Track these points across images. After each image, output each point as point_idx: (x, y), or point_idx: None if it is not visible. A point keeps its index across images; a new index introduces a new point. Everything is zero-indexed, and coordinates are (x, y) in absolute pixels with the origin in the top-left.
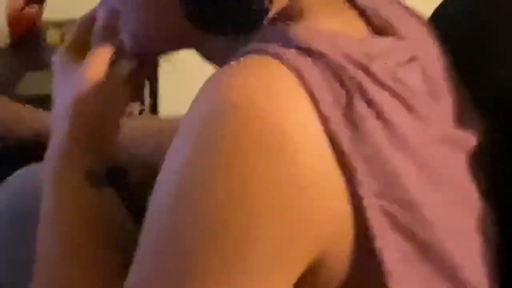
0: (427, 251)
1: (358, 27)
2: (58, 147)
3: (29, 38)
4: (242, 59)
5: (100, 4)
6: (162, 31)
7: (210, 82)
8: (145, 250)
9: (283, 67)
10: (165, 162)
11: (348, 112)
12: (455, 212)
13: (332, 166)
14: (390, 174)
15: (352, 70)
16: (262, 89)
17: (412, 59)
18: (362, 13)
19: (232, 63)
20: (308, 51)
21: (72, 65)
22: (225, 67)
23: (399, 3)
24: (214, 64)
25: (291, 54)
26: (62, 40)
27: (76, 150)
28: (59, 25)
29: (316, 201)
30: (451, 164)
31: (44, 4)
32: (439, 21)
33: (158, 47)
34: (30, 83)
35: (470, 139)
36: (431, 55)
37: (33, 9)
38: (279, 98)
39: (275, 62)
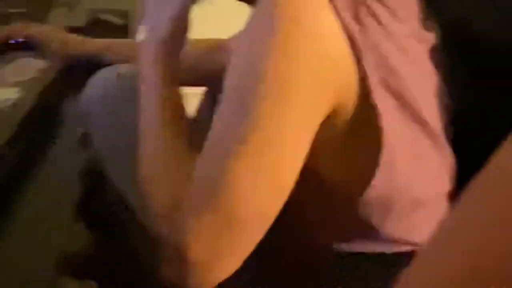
0: (404, 103)
1: None
2: (154, 64)
3: None
4: None
5: None
6: None
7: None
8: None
9: None
10: (232, 61)
11: (357, 15)
12: (422, 78)
13: (347, 50)
14: (383, 55)
15: None
16: (303, 6)
17: None
18: None
19: None
20: None
21: None
22: None
23: None
24: None
25: None
26: None
27: (166, 62)
28: None
29: (336, 72)
30: (418, 51)
31: None
32: None
33: None
34: None
35: (430, 37)
36: None
37: None
38: (316, 12)
39: None
